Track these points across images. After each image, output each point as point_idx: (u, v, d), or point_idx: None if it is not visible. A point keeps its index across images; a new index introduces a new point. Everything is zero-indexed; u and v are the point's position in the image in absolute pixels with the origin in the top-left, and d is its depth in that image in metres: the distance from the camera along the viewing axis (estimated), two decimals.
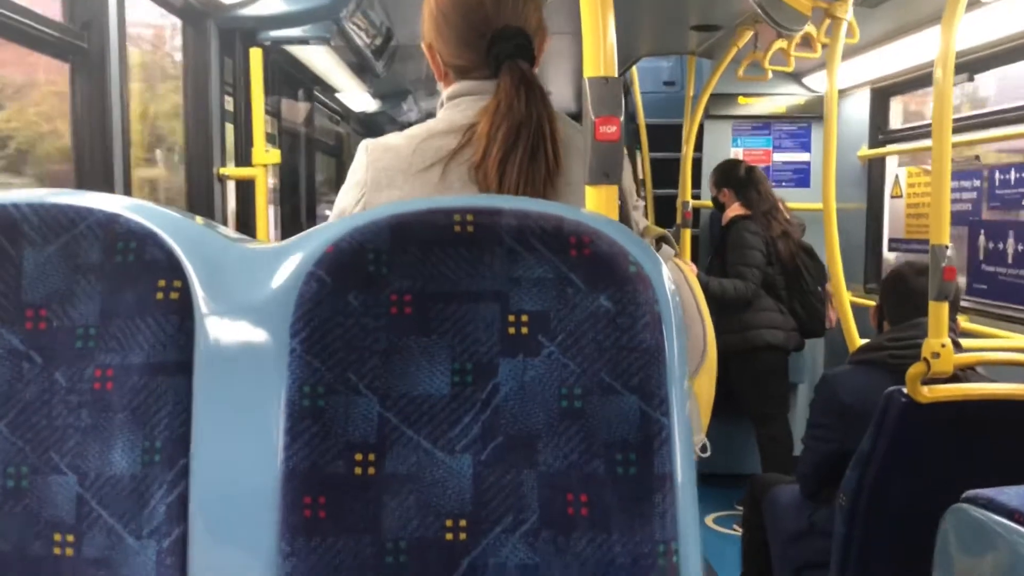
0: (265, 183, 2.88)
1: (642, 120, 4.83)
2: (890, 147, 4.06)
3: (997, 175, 3.18)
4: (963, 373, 2.08)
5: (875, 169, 4.21)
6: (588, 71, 1.13)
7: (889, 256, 4.19)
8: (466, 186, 1.24)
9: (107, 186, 1.93)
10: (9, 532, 0.88)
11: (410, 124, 1.38)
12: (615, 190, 1.15)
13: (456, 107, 1.31)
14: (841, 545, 2.12)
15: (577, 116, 1.25)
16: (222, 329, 0.90)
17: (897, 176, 4.09)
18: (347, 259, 0.88)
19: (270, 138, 3.31)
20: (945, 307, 1.98)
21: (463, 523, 0.87)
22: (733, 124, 4.64)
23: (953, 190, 3.22)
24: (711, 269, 4.00)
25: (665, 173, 4.74)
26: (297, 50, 3.23)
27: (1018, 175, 3.08)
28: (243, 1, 2.62)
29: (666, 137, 4.84)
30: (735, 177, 4.02)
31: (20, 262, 0.91)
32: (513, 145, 1.22)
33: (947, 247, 1.98)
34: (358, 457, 0.87)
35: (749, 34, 3.43)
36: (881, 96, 4.10)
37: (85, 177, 1.92)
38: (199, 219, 0.98)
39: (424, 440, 0.87)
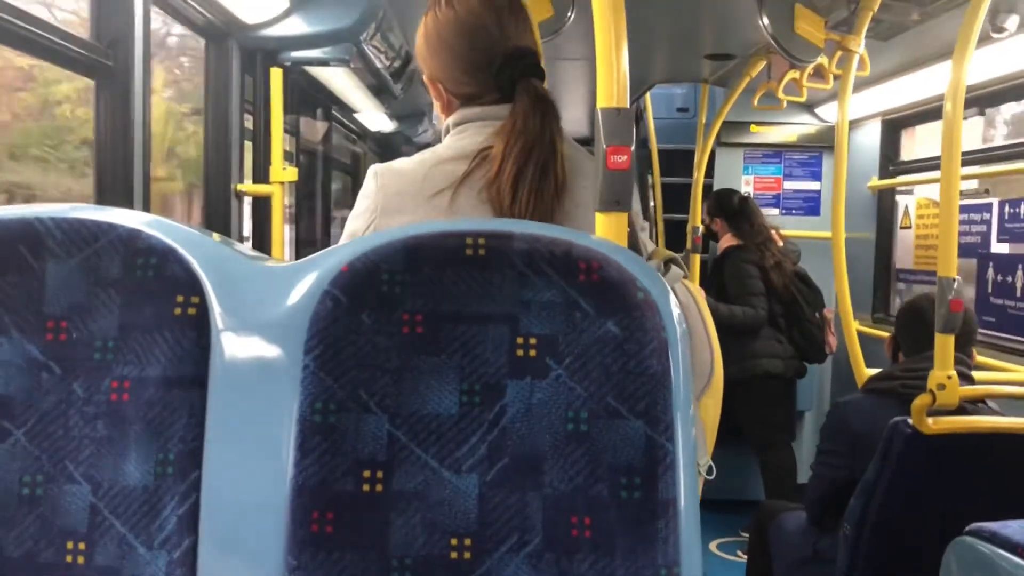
0: (281, 200, 2.91)
1: (654, 145, 4.85)
2: (900, 178, 4.07)
3: (1007, 208, 3.19)
4: (972, 406, 2.08)
5: (885, 200, 4.21)
6: (601, 102, 1.14)
7: (900, 286, 4.19)
8: (475, 211, 1.25)
9: (127, 202, 1.96)
10: (22, 539, 0.89)
11: (427, 145, 1.39)
12: (625, 217, 1.15)
13: (462, 133, 1.31)
14: (844, 574, 2.11)
15: (589, 141, 1.26)
16: (237, 345, 0.91)
17: (907, 206, 4.09)
18: (362, 279, 0.90)
19: (288, 156, 3.34)
20: (951, 339, 1.98)
21: (468, 542, 0.87)
22: (745, 152, 4.65)
23: (962, 223, 3.23)
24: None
25: (676, 198, 4.76)
26: (316, 70, 3.26)
27: None
28: (265, 22, 2.66)
29: (678, 163, 4.87)
30: (729, 207, 4.04)
31: (43, 275, 0.93)
32: (526, 163, 1.23)
33: (955, 279, 1.98)
34: (366, 474, 0.88)
35: (762, 64, 3.45)
36: (892, 128, 4.12)
37: (106, 192, 1.95)
38: (217, 236, 1.00)
39: (431, 459, 0.88)
